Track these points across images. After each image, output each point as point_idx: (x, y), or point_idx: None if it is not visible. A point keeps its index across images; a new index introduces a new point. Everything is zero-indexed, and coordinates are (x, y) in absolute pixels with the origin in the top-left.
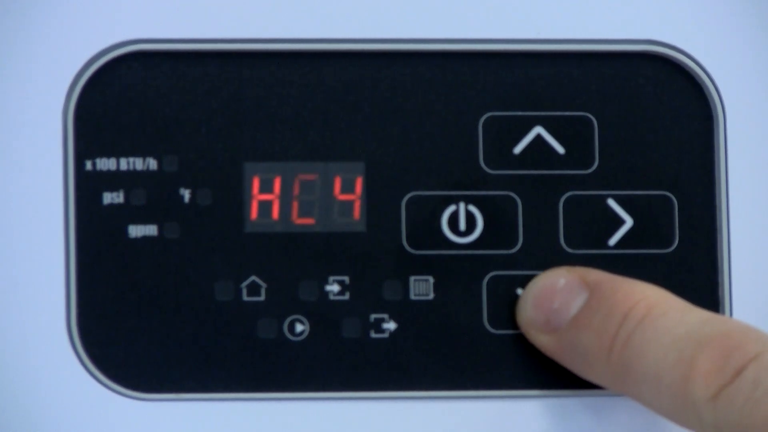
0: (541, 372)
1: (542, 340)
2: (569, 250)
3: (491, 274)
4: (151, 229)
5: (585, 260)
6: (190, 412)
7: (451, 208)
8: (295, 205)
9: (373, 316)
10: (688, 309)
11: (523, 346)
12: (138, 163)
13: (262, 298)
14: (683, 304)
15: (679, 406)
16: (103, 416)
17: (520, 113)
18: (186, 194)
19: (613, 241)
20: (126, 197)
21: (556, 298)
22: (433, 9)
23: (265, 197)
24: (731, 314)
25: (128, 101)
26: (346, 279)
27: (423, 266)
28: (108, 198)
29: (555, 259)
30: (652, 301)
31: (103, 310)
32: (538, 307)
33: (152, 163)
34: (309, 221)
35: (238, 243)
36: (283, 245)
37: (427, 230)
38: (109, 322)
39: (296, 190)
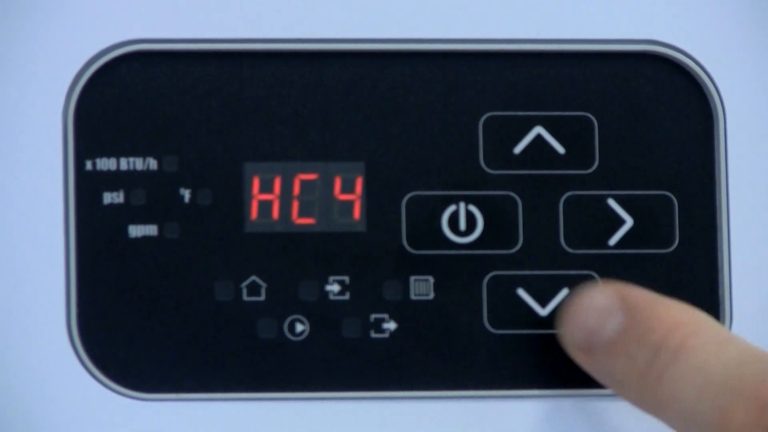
0: (541, 372)
1: (581, 358)
2: (569, 250)
3: (491, 274)
4: (151, 229)
5: (585, 260)
6: (190, 412)
7: (451, 208)
8: (295, 205)
9: (373, 316)
10: (725, 341)
11: (523, 346)
12: (138, 163)
13: (262, 298)
14: (719, 335)
15: None
16: (103, 416)
17: (520, 113)
18: (186, 194)
19: (613, 241)
20: (126, 197)
21: (591, 317)
22: (433, 9)
23: (265, 197)
24: (731, 314)
25: (128, 101)
26: (346, 279)
27: (423, 266)
28: (108, 198)
29: (555, 259)
30: (688, 330)
31: (103, 310)
32: (575, 325)
33: (152, 163)
34: (309, 221)
35: (238, 243)
36: (283, 245)
37: (427, 230)
38: (109, 322)
39: (296, 190)
